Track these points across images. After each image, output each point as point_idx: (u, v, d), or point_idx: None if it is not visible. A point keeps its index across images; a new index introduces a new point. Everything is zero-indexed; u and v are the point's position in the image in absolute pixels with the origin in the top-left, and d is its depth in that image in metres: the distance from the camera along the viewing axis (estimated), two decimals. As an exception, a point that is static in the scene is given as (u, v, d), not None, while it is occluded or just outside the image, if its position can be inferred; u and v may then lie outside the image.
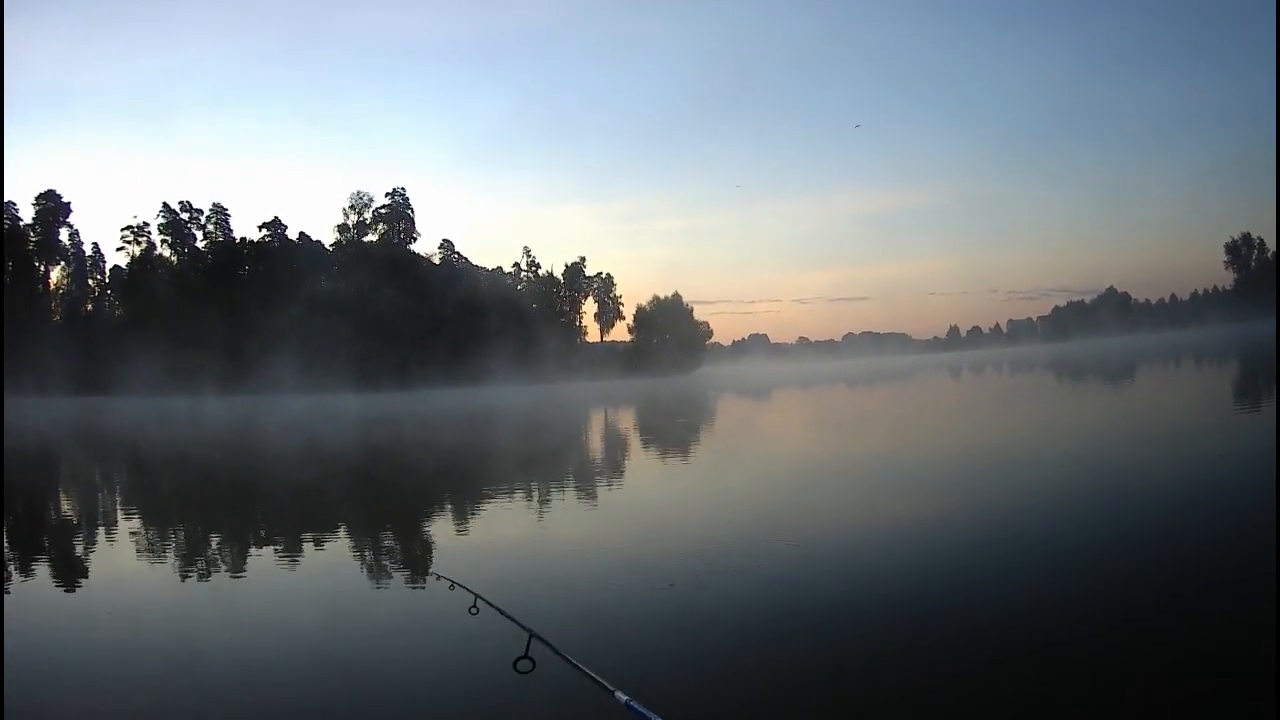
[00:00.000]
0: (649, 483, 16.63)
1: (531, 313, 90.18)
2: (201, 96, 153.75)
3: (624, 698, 2.19)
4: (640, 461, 20.84)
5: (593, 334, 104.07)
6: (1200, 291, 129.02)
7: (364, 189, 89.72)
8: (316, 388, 65.60)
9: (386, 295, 76.55)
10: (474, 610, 3.34)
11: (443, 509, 14.31)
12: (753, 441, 25.47)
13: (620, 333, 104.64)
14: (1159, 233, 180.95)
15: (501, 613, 3.11)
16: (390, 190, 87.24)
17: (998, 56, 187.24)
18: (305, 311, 72.27)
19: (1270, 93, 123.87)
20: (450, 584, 3.96)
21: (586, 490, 15.11)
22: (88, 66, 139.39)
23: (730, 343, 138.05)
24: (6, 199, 74.36)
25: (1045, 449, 17.26)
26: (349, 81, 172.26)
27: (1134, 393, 34.15)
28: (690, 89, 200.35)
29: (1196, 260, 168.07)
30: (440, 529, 12.27)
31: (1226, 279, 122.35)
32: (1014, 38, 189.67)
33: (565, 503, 13.97)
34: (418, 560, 9.91)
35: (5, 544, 11.60)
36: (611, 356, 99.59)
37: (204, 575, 9.54)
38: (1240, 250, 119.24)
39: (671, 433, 28.35)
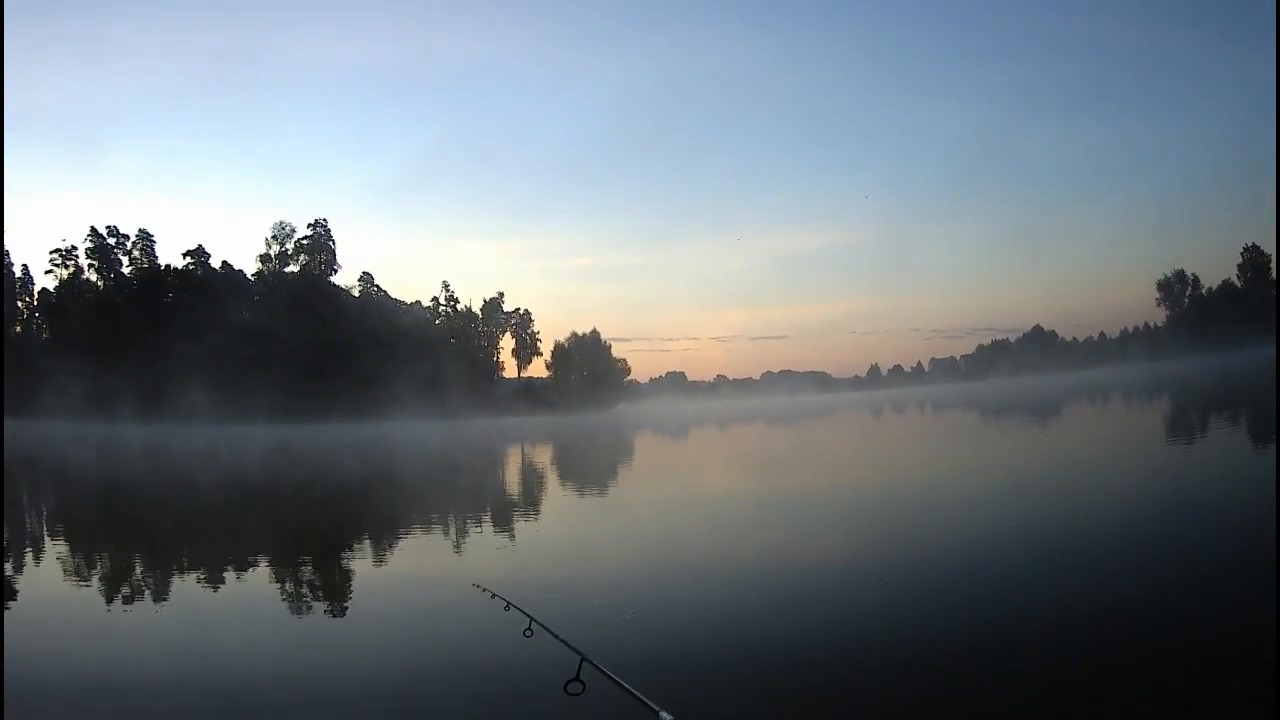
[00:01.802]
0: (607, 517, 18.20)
1: (449, 348, 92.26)
2: (130, 123, 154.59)
3: (669, 718, 2.29)
4: (556, 504, 21.44)
5: (510, 370, 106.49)
6: (1130, 329, 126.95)
7: (287, 219, 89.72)
8: (231, 417, 67.80)
9: (302, 327, 78.38)
10: (528, 633, 3.34)
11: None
12: (657, 482, 27.27)
13: (538, 368, 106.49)
14: (1088, 271, 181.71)
15: (556, 637, 3.13)
16: (312, 221, 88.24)
17: (918, 98, 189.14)
18: (224, 341, 74.38)
19: (1239, 129, 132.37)
20: (506, 604, 3.94)
21: (504, 525, 17.01)
22: (17, 90, 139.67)
23: (647, 380, 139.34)
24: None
25: (972, 486, 18.84)
26: (275, 112, 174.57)
27: (1057, 431, 35.52)
28: (610, 128, 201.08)
29: (1129, 298, 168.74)
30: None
31: (1158, 316, 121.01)
32: (934, 80, 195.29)
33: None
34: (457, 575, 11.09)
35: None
36: (528, 393, 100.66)
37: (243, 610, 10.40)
38: (1173, 287, 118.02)
39: (590, 474, 29.16)
